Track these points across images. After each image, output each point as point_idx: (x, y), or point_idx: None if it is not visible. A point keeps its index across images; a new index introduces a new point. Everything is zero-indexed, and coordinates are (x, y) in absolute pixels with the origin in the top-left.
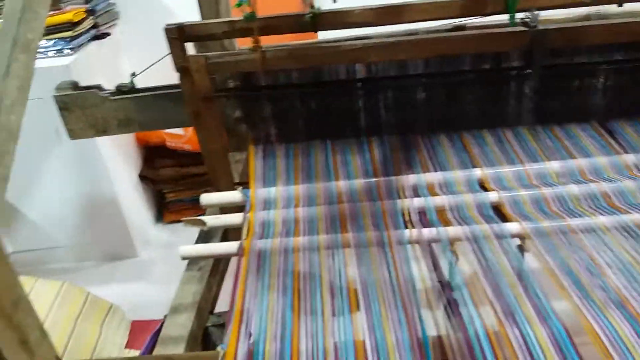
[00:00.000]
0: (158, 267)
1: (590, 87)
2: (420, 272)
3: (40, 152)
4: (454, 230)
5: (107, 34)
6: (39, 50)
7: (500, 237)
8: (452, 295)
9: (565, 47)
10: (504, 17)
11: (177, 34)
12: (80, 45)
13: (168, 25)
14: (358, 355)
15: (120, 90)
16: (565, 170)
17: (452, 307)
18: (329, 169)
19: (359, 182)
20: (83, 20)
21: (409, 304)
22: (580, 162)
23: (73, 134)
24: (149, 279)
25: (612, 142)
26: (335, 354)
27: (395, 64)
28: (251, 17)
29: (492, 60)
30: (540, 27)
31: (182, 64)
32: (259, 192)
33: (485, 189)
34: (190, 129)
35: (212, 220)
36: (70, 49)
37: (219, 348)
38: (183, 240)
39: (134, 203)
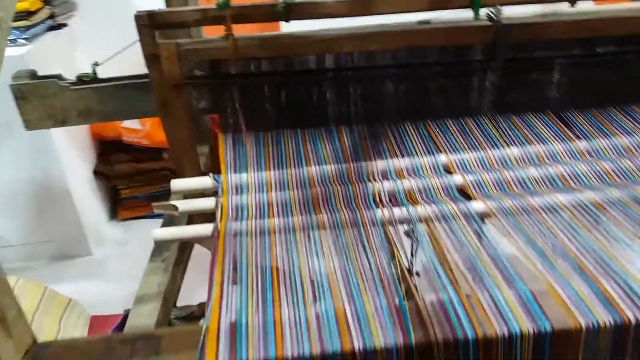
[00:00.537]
0: (113, 265)
1: (547, 80)
2: (394, 249)
3: None
4: (423, 210)
5: (64, 25)
6: None
7: (466, 215)
8: (425, 268)
9: (527, 42)
10: (467, 16)
11: (148, 21)
12: (35, 36)
13: (139, 12)
14: (340, 322)
15: (82, 80)
16: (524, 155)
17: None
18: (300, 156)
19: (330, 168)
20: (39, 9)
21: (385, 276)
22: (538, 148)
23: (30, 125)
24: (104, 277)
25: (566, 130)
26: (317, 322)
27: (364, 56)
28: (224, 5)
29: (457, 54)
30: (505, 21)
31: (151, 52)
32: (230, 177)
33: (451, 173)
34: (148, 124)
35: (184, 204)
36: (25, 38)
37: (201, 322)
38: (138, 237)
39: (88, 199)
